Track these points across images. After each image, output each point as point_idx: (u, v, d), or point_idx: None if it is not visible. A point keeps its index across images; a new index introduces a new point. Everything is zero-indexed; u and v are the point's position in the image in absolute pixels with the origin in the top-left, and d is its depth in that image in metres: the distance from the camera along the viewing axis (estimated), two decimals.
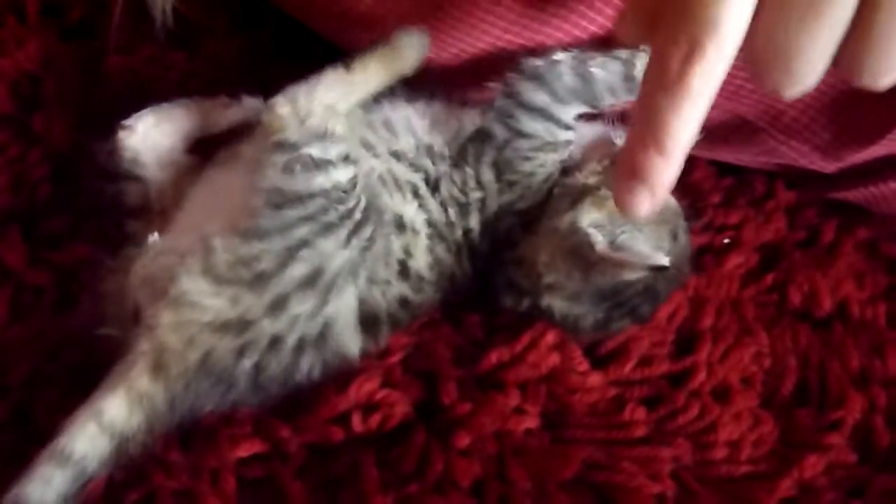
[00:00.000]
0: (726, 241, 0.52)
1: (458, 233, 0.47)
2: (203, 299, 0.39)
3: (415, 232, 0.45)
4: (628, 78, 0.45)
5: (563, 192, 0.47)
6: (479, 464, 0.40)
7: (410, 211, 0.46)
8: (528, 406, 0.43)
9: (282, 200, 0.40)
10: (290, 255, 0.40)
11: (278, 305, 0.39)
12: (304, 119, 0.42)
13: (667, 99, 0.27)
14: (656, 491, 0.41)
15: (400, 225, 0.45)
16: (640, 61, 0.45)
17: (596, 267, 0.44)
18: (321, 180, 0.41)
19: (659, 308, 0.47)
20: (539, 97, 0.45)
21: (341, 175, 0.41)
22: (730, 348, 0.48)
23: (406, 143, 0.47)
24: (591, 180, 0.47)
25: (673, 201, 0.47)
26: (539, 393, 0.43)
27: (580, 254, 0.44)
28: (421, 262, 0.45)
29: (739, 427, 0.45)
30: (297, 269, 0.40)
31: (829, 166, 0.51)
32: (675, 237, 0.46)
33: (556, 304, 0.45)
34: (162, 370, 0.38)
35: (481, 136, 0.47)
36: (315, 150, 0.41)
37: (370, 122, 0.47)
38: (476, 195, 0.47)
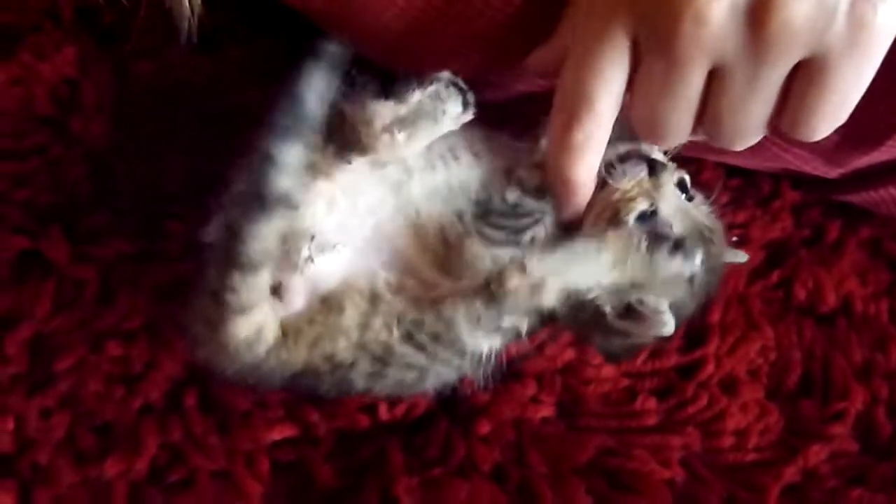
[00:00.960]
0: (734, 239, 0.54)
1: None
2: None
3: None
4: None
5: None
6: (499, 450, 0.42)
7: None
8: (545, 396, 0.45)
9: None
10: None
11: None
12: (534, 294, 0.38)
13: (558, 152, 0.37)
14: (666, 477, 0.43)
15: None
16: None
17: (613, 331, 0.41)
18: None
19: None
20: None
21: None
22: (737, 342, 0.49)
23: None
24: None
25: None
26: (555, 384, 0.45)
27: (597, 321, 0.41)
28: None
29: (746, 417, 0.46)
30: None
31: (831, 172, 0.52)
32: (690, 280, 0.42)
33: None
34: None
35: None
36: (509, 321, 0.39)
37: None
38: None
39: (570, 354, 0.46)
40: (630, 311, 0.41)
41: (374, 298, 0.38)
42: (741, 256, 0.46)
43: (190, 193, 0.48)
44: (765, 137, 0.51)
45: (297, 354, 0.37)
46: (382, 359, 0.38)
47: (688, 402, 0.46)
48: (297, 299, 0.38)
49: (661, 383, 0.47)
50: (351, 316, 0.38)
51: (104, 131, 0.51)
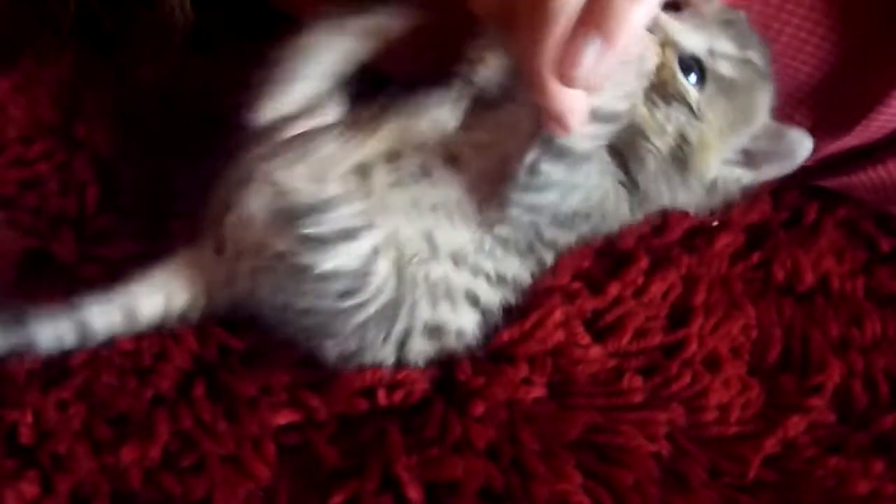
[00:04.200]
0: (716, 223, 0.56)
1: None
2: None
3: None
4: None
5: (661, 168, 0.41)
6: (493, 429, 0.43)
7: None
8: (536, 377, 0.46)
9: None
10: None
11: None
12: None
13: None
14: (653, 450, 0.45)
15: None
16: None
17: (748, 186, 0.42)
18: None
19: None
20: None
21: None
22: (720, 321, 0.51)
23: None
24: (670, 140, 0.40)
25: (731, 54, 0.40)
26: (546, 365, 0.47)
27: (731, 188, 0.42)
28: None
29: (728, 392, 0.48)
30: None
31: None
32: (765, 77, 0.42)
33: None
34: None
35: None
36: None
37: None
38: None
39: (559, 337, 0.48)
40: (755, 157, 0.41)
41: None
42: None
43: (192, 192, 0.51)
44: None
45: None
46: None
47: (672, 379, 0.48)
48: None
49: (647, 362, 0.49)
50: None
51: (108, 136, 0.53)
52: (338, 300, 0.40)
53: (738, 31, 0.41)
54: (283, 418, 0.43)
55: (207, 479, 0.41)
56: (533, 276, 0.46)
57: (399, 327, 0.42)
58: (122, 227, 0.49)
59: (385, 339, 0.42)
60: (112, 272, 0.47)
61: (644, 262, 0.52)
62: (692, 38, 0.40)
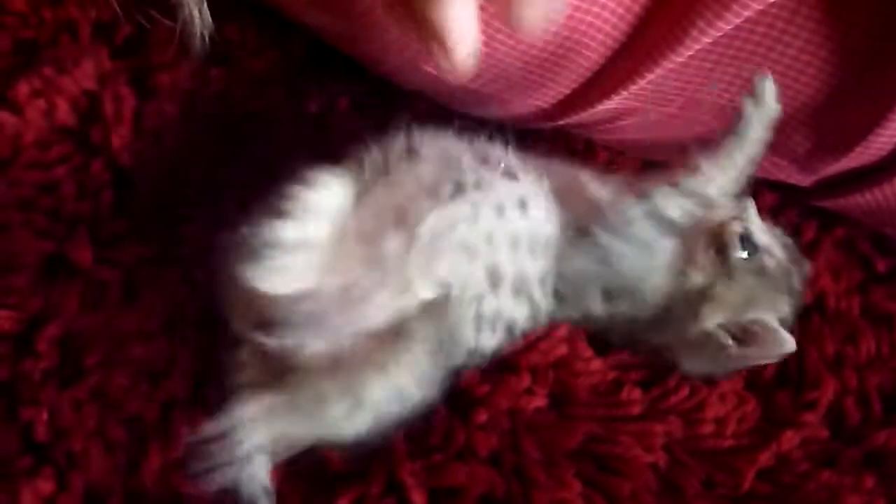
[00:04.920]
0: None
1: None
2: None
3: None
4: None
5: (680, 297, 0.48)
6: (496, 437, 0.44)
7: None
8: (538, 388, 0.47)
9: None
10: None
11: None
12: None
13: None
14: (650, 461, 0.46)
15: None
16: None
17: (732, 360, 0.47)
18: None
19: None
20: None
21: None
22: None
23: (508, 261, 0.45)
24: (700, 279, 0.48)
25: (778, 258, 0.49)
26: (548, 377, 0.47)
27: (716, 354, 0.47)
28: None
29: (725, 406, 0.49)
30: None
31: (805, 179, 0.55)
32: (791, 291, 0.49)
33: (700, 371, 0.49)
34: None
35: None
36: None
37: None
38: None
39: (562, 350, 0.49)
40: (747, 336, 0.46)
41: None
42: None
43: (206, 199, 0.52)
44: None
45: None
46: None
47: (670, 392, 0.49)
48: None
49: (646, 375, 0.50)
50: None
51: (124, 141, 0.54)
52: None
53: (791, 251, 0.50)
54: None
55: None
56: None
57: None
58: (136, 231, 0.50)
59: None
60: (125, 275, 0.48)
61: None
62: (761, 232, 0.49)
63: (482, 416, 0.45)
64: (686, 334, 0.47)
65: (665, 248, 0.47)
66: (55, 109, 0.54)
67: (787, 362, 0.53)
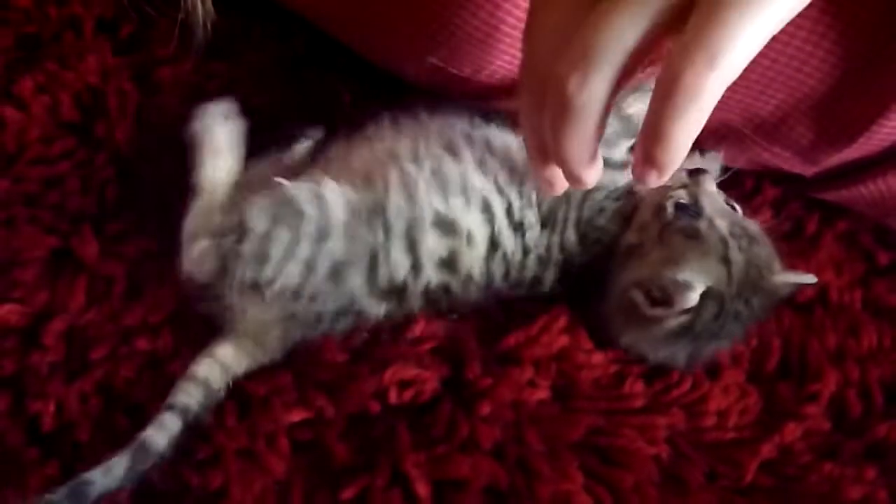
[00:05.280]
0: None
1: (528, 275, 0.50)
2: None
3: (469, 241, 0.48)
4: None
5: (616, 257, 0.49)
6: (499, 429, 0.45)
7: (468, 220, 0.48)
8: (541, 380, 0.48)
9: None
10: None
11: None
12: None
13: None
14: (653, 453, 0.46)
15: (445, 226, 0.47)
16: None
17: (652, 321, 0.47)
18: None
19: (752, 322, 0.49)
20: None
21: None
22: None
23: (496, 167, 0.49)
24: (633, 238, 0.49)
25: (719, 228, 0.49)
26: (550, 369, 0.48)
27: (635, 314, 0.47)
28: (474, 269, 0.48)
29: (727, 398, 0.50)
30: None
31: (808, 170, 0.56)
32: (726, 260, 0.48)
33: (644, 352, 0.49)
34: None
35: (564, 197, 0.49)
36: None
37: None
38: (559, 257, 0.50)
39: (563, 342, 0.49)
40: (665, 296, 0.46)
41: None
42: (808, 278, 0.50)
43: None
44: (748, 137, 0.55)
45: None
46: None
47: (673, 385, 0.49)
48: None
49: (649, 368, 0.50)
50: None
51: (127, 136, 0.54)
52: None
53: (745, 235, 0.49)
54: (296, 415, 0.44)
55: (223, 470, 0.42)
56: (540, 263, 0.50)
57: (407, 216, 0.46)
58: (141, 225, 0.50)
59: (387, 236, 0.46)
60: (130, 270, 0.49)
61: None
62: (711, 204, 0.50)
63: (486, 409, 0.45)
64: (615, 288, 0.48)
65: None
66: (59, 105, 0.54)
67: (789, 355, 0.54)
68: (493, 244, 0.48)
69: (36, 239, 0.49)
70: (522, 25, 0.34)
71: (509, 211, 0.49)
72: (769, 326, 0.54)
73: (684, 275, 0.46)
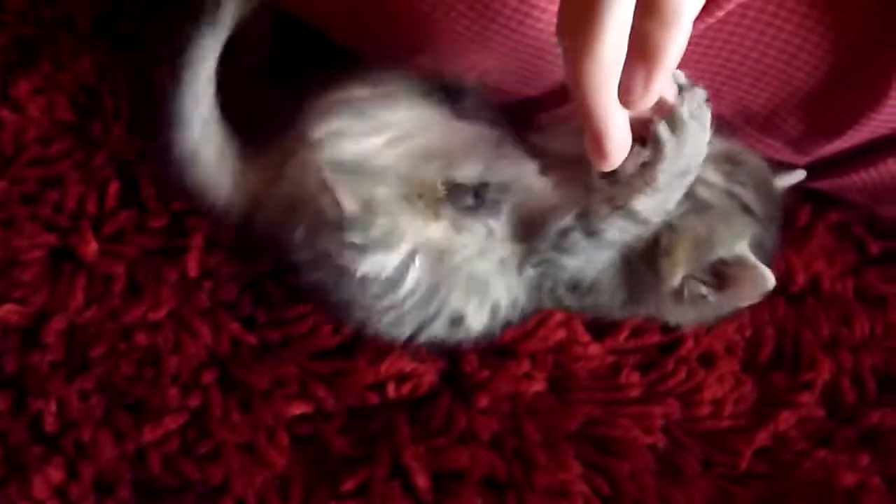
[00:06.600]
0: None
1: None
2: None
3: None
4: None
5: (637, 262, 0.44)
6: (497, 420, 0.45)
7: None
8: (537, 373, 0.48)
9: None
10: None
11: None
12: None
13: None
14: (649, 442, 0.47)
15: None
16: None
17: (717, 306, 0.43)
18: None
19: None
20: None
21: None
22: None
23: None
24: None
25: (714, 185, 0.45)
26: (547, 361, 0.49)
27: (699, 304, 0.43)
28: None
29: (722, 388, 0.50)
30: None
31: (800, 160, 0.56)
32: (748, 211, 0.45)
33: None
34: None
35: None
36: None
37: None
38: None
39: (560, 335, 0.49)
40: (721, 278, 0.42)
41: None
42: (798, 174, 0.48)
43: None
44: (740, 129, 0.56)
45: None
46: None
47: (668, 375, 0.50)
48: None
49: (644, 359, 0.50)
50: None
51: (124, 135, 0.54)
52: (374, 300, 0.42)
53: (737, 168, 0.45)
54: (297, 409, 0.45)
55: (224, 465, 0.42)
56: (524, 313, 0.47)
57: (429, 311, 0.44)
58: (140, 223, 0.50)
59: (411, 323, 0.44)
60: (129, 268, 0.49)
61: None
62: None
63: (483, 401, 0.46)
64: (662, 297, 0.44)
65: (605, 254, 0.44)
66: (55, 106, 0.55)
67: (782, 344, 0.54)
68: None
69: (35, 239, 0.49)
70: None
71: None
72: (763, 316, 0.55)
73: (731, 249, 0.43)
